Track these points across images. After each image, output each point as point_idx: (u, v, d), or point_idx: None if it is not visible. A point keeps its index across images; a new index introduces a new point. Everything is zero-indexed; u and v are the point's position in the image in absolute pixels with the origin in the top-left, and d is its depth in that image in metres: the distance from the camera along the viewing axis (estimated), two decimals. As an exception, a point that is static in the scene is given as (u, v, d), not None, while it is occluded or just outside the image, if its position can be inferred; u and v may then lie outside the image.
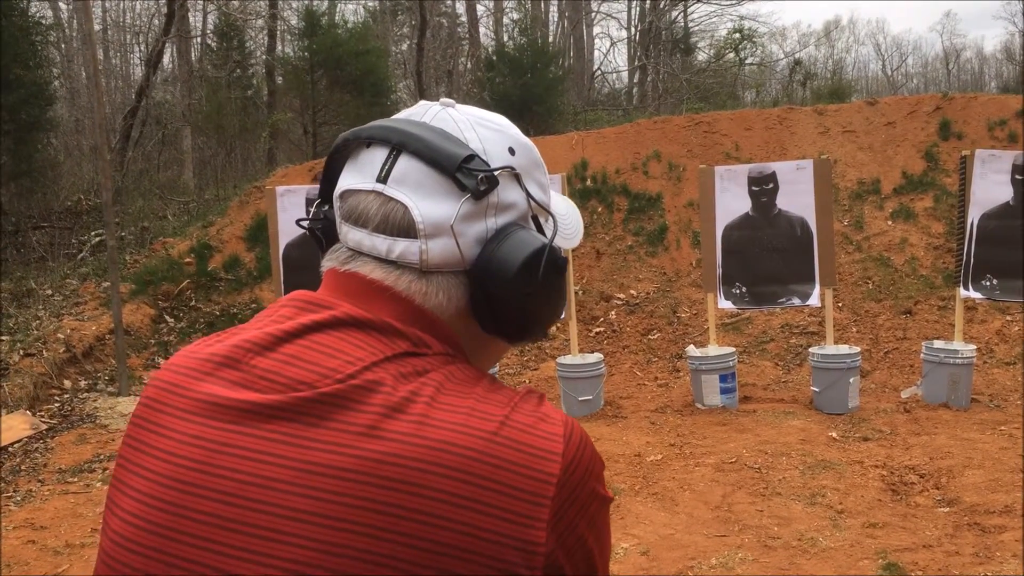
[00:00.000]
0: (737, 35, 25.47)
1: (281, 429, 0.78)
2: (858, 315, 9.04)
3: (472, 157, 0.87)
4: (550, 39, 26.21)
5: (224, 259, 10.63)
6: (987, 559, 4.37)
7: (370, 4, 25.73)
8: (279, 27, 21.02)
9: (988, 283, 6.88)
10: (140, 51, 24.86)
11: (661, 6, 28.13)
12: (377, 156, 0.89)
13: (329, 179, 0.98)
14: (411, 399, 0.79)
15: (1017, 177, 6.74)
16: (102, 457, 6.58)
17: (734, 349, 7.55)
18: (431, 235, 0.86)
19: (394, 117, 0.94)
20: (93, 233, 12.52)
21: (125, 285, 9.43)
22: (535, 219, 0.94)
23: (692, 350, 7.44)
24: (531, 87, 18.50)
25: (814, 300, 7.05)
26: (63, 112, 18.69)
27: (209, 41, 21.57)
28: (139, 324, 9.35)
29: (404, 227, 0.87)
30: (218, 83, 18.43)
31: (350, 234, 0.90)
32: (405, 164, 0.88)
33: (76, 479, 6.17)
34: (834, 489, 5.35)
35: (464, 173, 0.86)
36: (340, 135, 0.96)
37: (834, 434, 6.37)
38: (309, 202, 7.35)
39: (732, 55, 26.09)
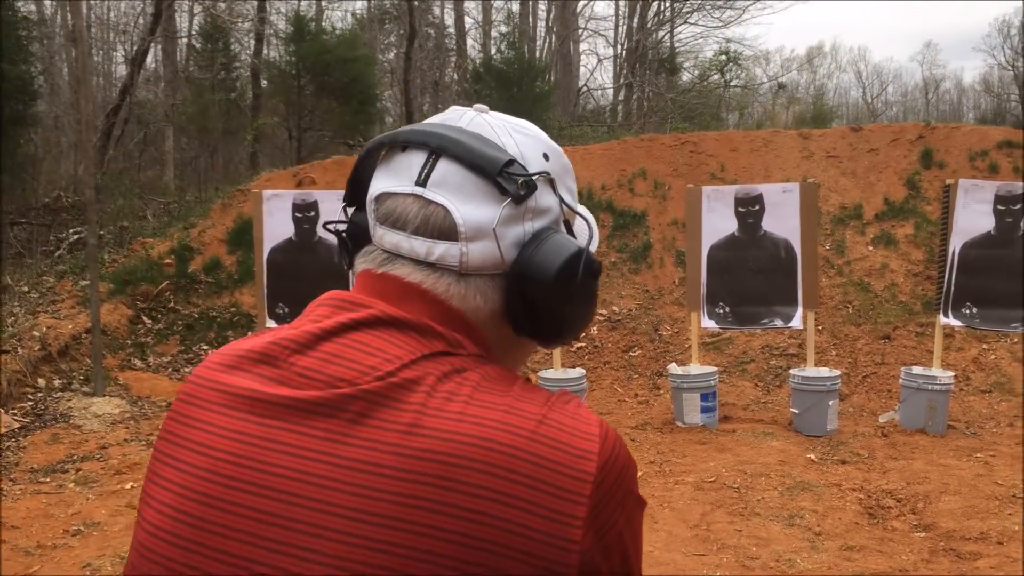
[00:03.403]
0: (723, 57, 25.67)
1: (322, 425, 0.79)
2: (838, 339, 9.10)
3: (512, 162, 0.89)
4: (537, 54, 26.31)
5: (205, 261, 10.55)
6: (963, 585, 4.40)
7: (358, 11, 25.73)
8: (266, 31, 20.98)
9: (968, 311, 6.95)
10: (123, 49, 24.73)
11: (649, 26, 28.33)
12: (415, 160, 0.90)
13: (357, 183, 0.99)
14: (450, 397, 0.80)
15: (999, 208, 6.82)
16: (76, 458, 6.50)
17: (716, 368, 7.57)
18: (471, 238, 0.87)
19: (428, 121, 0.95)
20: (71, 231, 12.41)
21: (103, 284, 9.33)
22: (567, 224, 0.96)
23: (674, 368, 7.45)
24: (518, 101, 18.55)
25: (796, 322, 7.09)
26: (43, 108, 18.53)
27: (194, 42, 21.48)
28: (116, 324, 9.26)
29: (444, 230, 0.88)
30: (204, 85, 18.35)
31: (386, 236, 0.90)
32: (445, 168, 0.89)
33: (48, 479, 6.09)
34: (812, 511, 5.37)
35: (504, 177, 0.88)
36: (373, 139, 0.97)
37: (812, 456, 6.40)
38: (296, 207, 7.31)
39: (717, 77, 26.28)
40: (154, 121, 19.12)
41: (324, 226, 1.05)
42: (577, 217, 0.99)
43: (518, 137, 0.93)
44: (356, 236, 0.98)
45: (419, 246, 0.88)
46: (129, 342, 9.21)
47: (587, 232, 1.00)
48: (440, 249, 0.88)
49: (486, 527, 0.74)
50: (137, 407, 7.84)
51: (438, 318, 0.87)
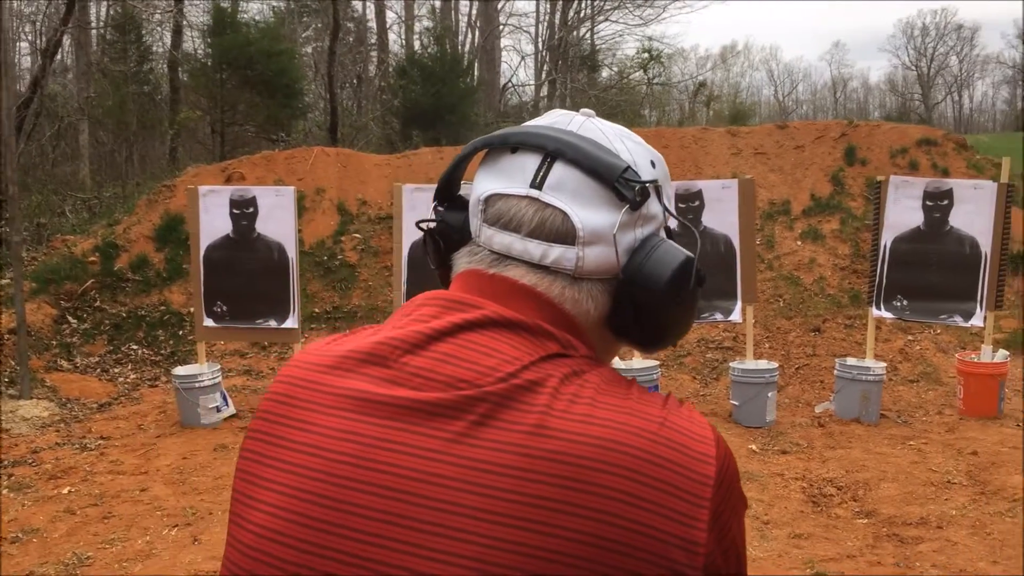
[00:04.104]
0: (646, 55, 25.99)
1: (445, 426, 0.79)
2: (771, 331, 9.32)
3: (627, 168, 0.89)
4: (460, 49, 26.24)
5: (131, 259, 10.25)
6: (908, 568, 4.54)
7: (276, 4, 25.28)
8: (183, 23, 20.45)
9: (899, 303, 7.18)
10: (29, 40, 23.87)
11: (570, 22, 28.52)
12: (528, 162, 0.91)
13: (451, 183, 0.99)
14: (574, 400, 0.80)
15: (927, 203, 7.06)
16: (6, 463, 6.25)
17: (657, 362, 7.67)
18: (588, 242, 0.88)
19: (535, 124, 0.95)
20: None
21: (24, 283, 8.99)
22: (667, 231, 0.97)
23: (617, 362, 7.52)
24: (444, 96, 18.47)
25: (735, 316, 7.23)
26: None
27: (107, 34, 20.81)
28: (40, 324, 8.93)
29: (561, 233, 0.88)
30: (121, 77, 17.80)
31: (496, 237, 0.91)
32: (561, 171, 0.89)
33: (-23, 486, 5.84)
34: (759, 500, 5.48)
35: (622, 184, 0.88)
36: (478, 139, 0.96)
37: (754, 447, 6.53)
38: (233, 203, 7.16)
39: (640, 74, 26.62)
40: (68, 115, 18.48)
41: (417, 224, 1.03)
42: (690, 226, 1.01)
43: (629, 144, 0.94)
44: (446, 235, 0.98)
45: (533, 248, 0.89)
46: (54, 343, 8.90)
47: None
48: (556, 252, 0.88)
49: (616, 528, 0.75)
50: (67, 409, 7.58)
51: (550, 319, 0.88)
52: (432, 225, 1.00)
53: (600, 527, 0.74)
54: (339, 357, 0.87)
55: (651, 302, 0.90)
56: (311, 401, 0.85)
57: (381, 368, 0.84)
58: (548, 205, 0.88)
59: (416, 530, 0.76)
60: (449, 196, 1.00)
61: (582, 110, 0.98)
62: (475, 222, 0.93)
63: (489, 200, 0.92)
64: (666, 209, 0.96)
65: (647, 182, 0.90)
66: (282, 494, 0.81)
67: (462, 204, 0.99)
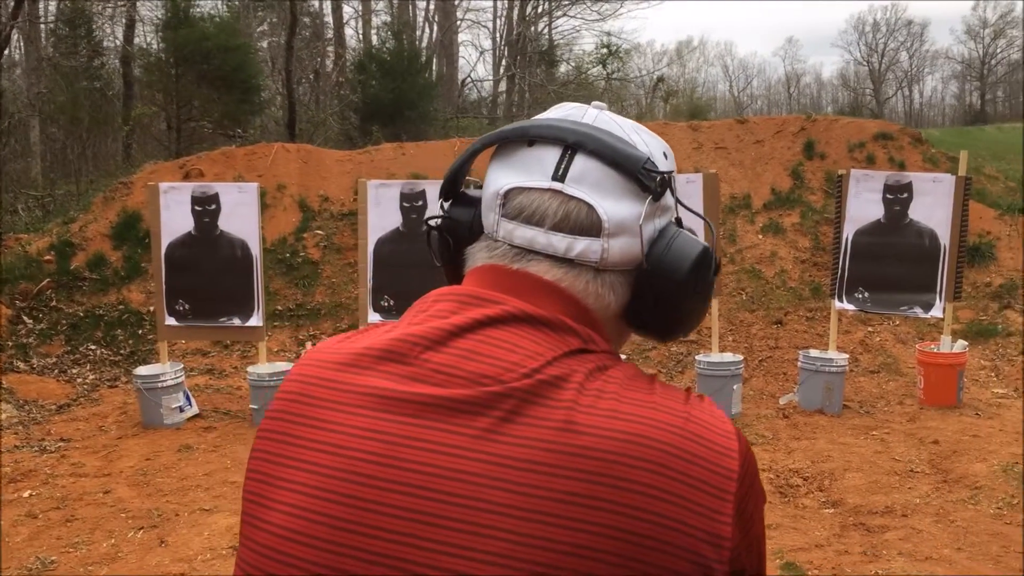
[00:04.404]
0: (604, 50, 26.09)
1: (471, 423, 0.79)
2: (734, 324, 9.40)
3: (648, 159, 0.90)
4: (417, 44, 26.13)
5: (88, 257, 10.06)
6: (875, 557, 4.60)
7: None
8: (136, 17, 20.12)
9: (860, 295, 7.28)
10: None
11: (527, 17, 28.52)
12: (547, 155, 0.90)
13: (458, 179, 0.99)
14: (600, 395, 0.80)
15: (888, 196, 7.16)
16: (-36, 467, 6.11)
17: (624, 356, 7.70)
18: (613, 234, 0.89)
19: (549, 117, 0.95)
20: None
21: (-23, 283, 8.81)
22: (679, 221, 0.98)
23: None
24: (403, 92, 18.38)
25: (701, 309, 7.27)
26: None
27: (57, 28, 20.41)
28: (-6, 325, 8.74)
29: (586, 226, 0.88)
30: (73, 73, 17.47)
31: (518, 231, 0.90)
32: (583, 164, 0.89)
33: (-66, 492, 5.70)
34: (727, 492, 5.52)
35: (643, 175, 0.89)
36: (491, 134, 0.96)
37: (721, 439, 6.58)
38: (195, 200, 7.05)
39: (598, 69, 26.71)
40: (18, 111, 18.09)
41: (425, 221, 1.02)
42: (702, 217, 1.04)
43: (644, 136, 0.95)
44: (456, 231, 0.97)
45: (558, 242, 0.89)
46: (10, 343, 8.71)
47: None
48: (581, 245, 0.88)
49: (646, 523, 0.75)
50: (25, 411, 7.43)
51: (572, 315, 0.88)
52: (439, 222, 0.99)
53: (629, 522, 0.74)
54: (355, 355, 0.86)
55: (672, 291, 0.91)
56: (328, 399, 0.84)
57: (401, 365, 0.83)
58: (572, 197, 0.88)
59: (444, 528, 0.75)
60: (455, 192, 0.99)
61: (594, 103, 0.98)
62: (492, 216, 0.92)
63: (509, 194, 0.91)
64: (678, 200, 0.97)
65: (666, 172, 0.91)
66: (303, 494, 0.80)
67: (466, 200, 0.98)
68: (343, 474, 0.79)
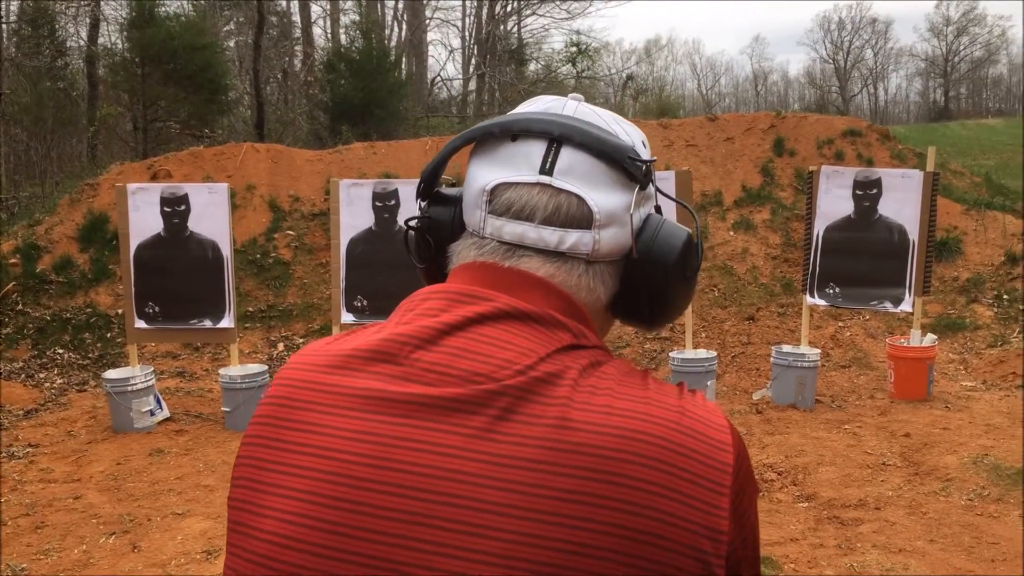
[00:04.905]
0: (573, 49, 26.13)
1: (465, 422, 0.77)
2: (707, 321, 9.44)
3: (632, 148, 0.90)
4: (386, 43, 26.03)
5: (54, 260, 9.92)
6: (850, 550, 4.64)
7: (198, -2, 24.72)
8: (100, 16, 19.87)
9: (832, 291, 7.34)
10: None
11: (497, 16, 28.51)
12: (533, 149, 0.90)
13: (436, 178, 0.98)
14: (595, 391, 0.80)
15: (857, 192, 7.22)
16: (-71, 475, 5.99)
17: (600, 354, 7.72)
18: (604, 225, 0.88)
19: (529, 111, 0.94)
20: None
21: (-59, 287, 8.66)
22: (658, 209, 0.98)
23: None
24: (373, 91, 18.30)
25: (674, 306, 7.29)
26: None
27: (20, 28, 20.10)
28: (-41, 329, 8.60)
29: (577, 218, 0.88)
30: (37, 73, 17.22)
31: (507, 227, 0.89)
32: (570, 156, 0.89)
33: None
34: (703, 488, 5.54)
35: (630, 164, 0.89)
36: (473, 129, 0.95)
37: (695, 435, 6.61)
38: (164, 201, 6.97)
39: (568, 68, 26.76)
40: (-21, 112, 17.81)
41: (405, 222, 1.01)
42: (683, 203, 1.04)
43: (624, 126, 0.95)
44: (437, 231, 0.97)
45: (549, 236, 0.88)
46: (-25, 348, 8.57)
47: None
48: (573, 238, 0.88)
49: (646, 519, 0.74)
50: (-9, 417, 7.31)
51: (563, 310, 0.87)
52: (418, 223, 0.98)
53: (628, 518, 0.73)
54: (343, 356, 0.84)
55: (661, 279, 0.91)
56: (317, 402, 0.82)
57: (391, 365, 0.82)
58: (562, 190, 0.88)
59: (440, 528, 0.74)
60: (433, 192, 0.98)
61: (571, 95, 0.97)
62: (478, 214, 0.91)
63: (495, 190, 0.90)
64: (658, 189, 0.98)
65: (650, 161, 0.92)
66: (295, 499, 0.79)
67: (444, 199, 0.97)
68: (335, 477, 0.78)
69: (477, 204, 0.91)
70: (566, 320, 0.85)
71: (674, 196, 6.22)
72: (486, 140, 0.93)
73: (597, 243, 0.88)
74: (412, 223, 0.99)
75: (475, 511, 0.74)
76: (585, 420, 0.76)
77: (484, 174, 0.91)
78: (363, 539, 0.75)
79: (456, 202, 0.95)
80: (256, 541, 0.80)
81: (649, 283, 0.92)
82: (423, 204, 0.98)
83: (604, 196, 0.88)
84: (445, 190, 0.98)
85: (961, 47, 57.04)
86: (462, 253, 0.93)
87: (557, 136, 0.89)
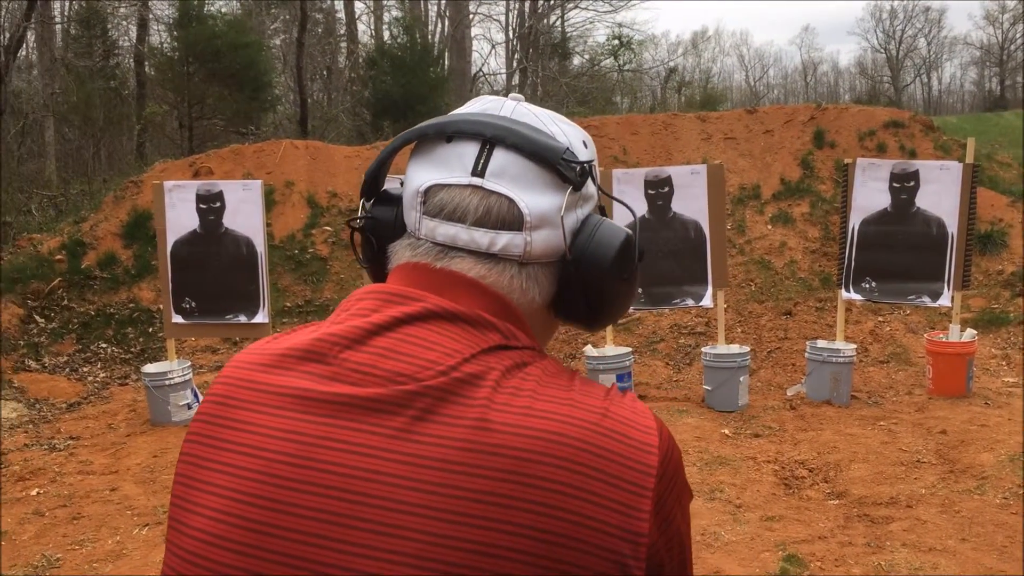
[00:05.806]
0: (616, 42, 25.98)
1: (385, 422, 0.78)
2: (742, 316, 9.35)
3: (567, 150, 0.90)
4: (430, 39, 26.13)
5: (99, 256, 10.14)
6: (878, 548, 4.58)
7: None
8: (149, 16, 20.22)
9: (868, 285, 7.23)
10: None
11: (540, 10, 28.45)
12: (466, 150, 0.90)
13: (379, 177, 0.98)
14: (516, 392, 0.79)
15: (894, 185, 7.10)
16: (-26, 466, 6.17)
17: (630, 349, 7.69)
18: (535, 227, 0.88)
19: (466, 112, 0.94)
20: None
21: (-10, 283, 8.90)
22: (602, 210, 0.98)
23: (590, 350, 7.53)
24: (415, 87, 18.39)
25: (707, 301, 7.24)
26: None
27: (71, 28, 20.54)
28: (7, 324, 8.82)
29: (508, 220, 0.88)
30: (86, 73, 17.59)
31: (440, 229, 0.89)
32: (502, 157, 0.89)
33: (-55, 490, 5.77)
34: (731, 484, 5.51)
35: (563, 165, 0.89)
36: (411, 130, 0.95)
37: (727, 431, 6.56)
38: (200, 198, 7.09)
39: (611, 61, 26.61)
40: (33, 111, 18.24)
41: (347, 223, 1.02)
42: (624, 202, 1.05)
43: (562, 126, 0.94)
44: (379, 231, 0.97)
45: (480, 237, 0.88)
46: (22, 342, 8.79)
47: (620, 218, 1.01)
48: (504, 240, 0.88)
49: (560, 521, 0.74)
50: (35, 410, 7.50)
51: (493, 310, 0.87)
52: (361, 223, 0.98)
53: (543, 520, 0.73)
54: (277, 355, 0.85)
55: (598, 280, 0.90)
56: (250, 401, 0.83)
57: (320, 365, 0.82)
58: (492, 192, 0.88)
59: (356, 528, 0.75)
60: (376, 191, 0.98)
61: (511, 95, 0.97)
62: (413, 215, 0.91)
63: (429, 191, 0.90)
64: (600, 188, 0.96)
65: (586, 162, 0.91)
66: (221, 496, 0.80)
67: (388, 198, 0.97)
68: (259, 475, 0.78)
69: (413, 205, 0.91)
70: (496, 321, 0.85)
71: (705, 191, 6.11)
72: (424, 141, 0.93)
73: (529, 245, 0.88)
74: (354, 223, 0.99)
75: (391, 511, 0.74)
76: (503, 421, 0.76)
77: (420, 175, 0.92)
78: (284, 538, 0.76)
79: (399, 202, 0.95)
80: (188, 539, 0.81)
81: (586, 285, 0.91)
82: (367, 204, 0.98)
83: (536, 198, 0.88)
84: (390, 189, 0.98)
85: (1017, 35, 55.61)
86: (399, 253, 0.93)
87: (490, 137, 0.88)
